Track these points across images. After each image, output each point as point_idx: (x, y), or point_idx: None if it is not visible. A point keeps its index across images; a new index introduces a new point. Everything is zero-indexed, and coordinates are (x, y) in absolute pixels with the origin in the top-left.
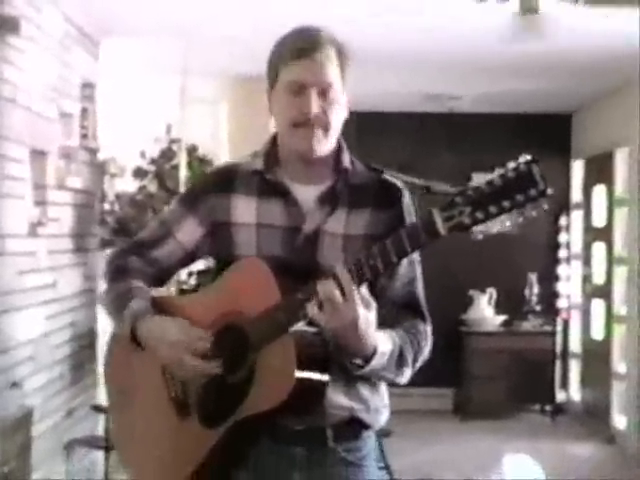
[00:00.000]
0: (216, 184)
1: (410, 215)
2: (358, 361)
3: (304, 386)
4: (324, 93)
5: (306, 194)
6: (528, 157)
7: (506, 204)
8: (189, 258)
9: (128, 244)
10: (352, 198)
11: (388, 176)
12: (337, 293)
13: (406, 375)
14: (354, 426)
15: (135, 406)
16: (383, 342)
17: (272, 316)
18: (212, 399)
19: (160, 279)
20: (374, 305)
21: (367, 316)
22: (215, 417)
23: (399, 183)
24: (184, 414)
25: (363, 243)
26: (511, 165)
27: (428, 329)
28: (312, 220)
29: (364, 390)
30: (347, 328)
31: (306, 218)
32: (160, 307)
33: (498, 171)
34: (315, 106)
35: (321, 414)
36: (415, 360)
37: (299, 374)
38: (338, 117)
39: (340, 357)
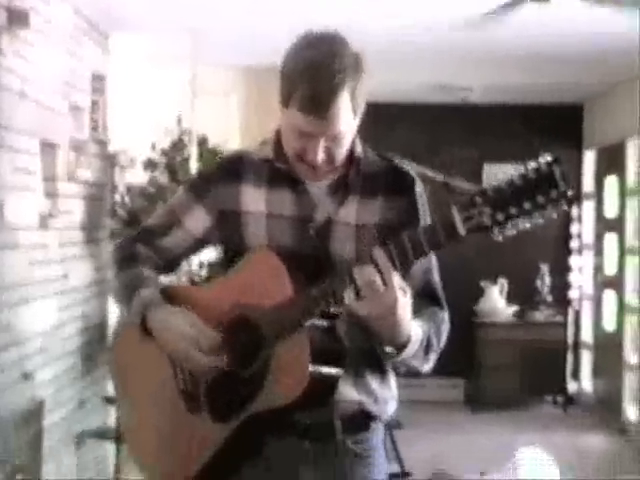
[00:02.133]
0: (225, 172)
1: (423, 203)
2: (391, 350)
3: (316, 381)
4: (333, 138)
5: (317, 183)
6: (549, 157)
7: (527, 205)
8: (198, 246)
9: (136, 233)
10: (364, 187)
11: (400, 164)
12: (378, 278)
13: (432, 361)
14: (362, 418)
15: (143, 398)
16: (415, 330)
17: (287, 312)
18: (223, 394)
19: (169, 267)
20: (409, 291)
21: (405, 302)
22: (226, 412)
23: (411, 171)
24: (194, 407)
25: (375, 232)
26: (532, 165)
27: (446, 316)
28: (323, 209)
29: (373, 382)
30: (386, 315)
31: (317, 207)
32: (171, 297)
33: (519, 171)
34: (321, 155)
35: (331, 408)
36: (438, 346)
37: (313, 369)
38: (345, 146)
39: (370, 345)
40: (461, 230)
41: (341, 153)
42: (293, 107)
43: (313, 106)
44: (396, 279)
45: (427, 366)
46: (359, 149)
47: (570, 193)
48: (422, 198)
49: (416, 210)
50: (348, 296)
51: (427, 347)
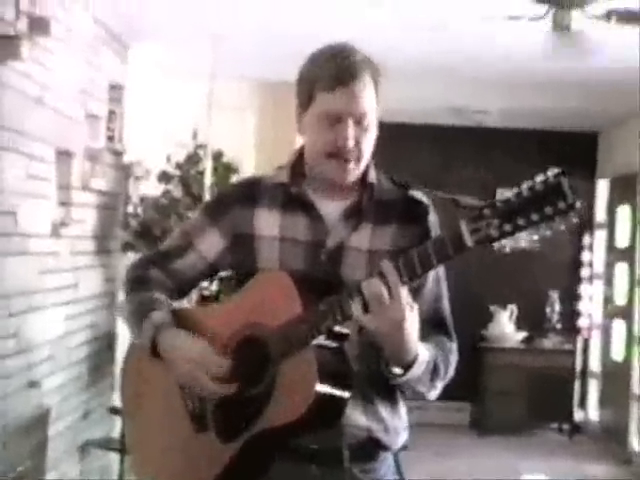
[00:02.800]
0: (240, 196)
1: (436, 232)
2: (397, 370)
3: (323, 401)
4: (359, 122)
5: (330, 209)
6: (557, 170)
7: (535, 217)
8: (211, 270)
9: (149, 254)
10: (377, 214)
11: (414, 192)
12: (385, 291)
13: (438, 389)
14: (371, 447)
15: (151, 416)
16: (422, 351)
17: (293, 329)
18: (230, 412)
19: (181, 291)
20: (417, 308)
21: (412, 318)
22: (232, 431)
23: (425, 200)
24: (201, 427)
25: (388, 259)
26: (540, 177)
27: (454, 346)
28: (336, 235)
29: (383, 410)
30: (393, 329)
31: (330, 233)
32: (181, 319)
33: (527, 183)
34: (351, 139)
35: (338, 432)
36: (446, 374)
37: (319, 388)
38: (370, 143)
39: (377, 366)
40: (469, 242)
41: (367, 148)
42: (319, 92)
43: (339, 79)
44: (404, 294)
45: (433, 393)
46: (373, 175)
47: (578, 205)
48: (435, 226)
49: (429, 237)
50: (356, 309)
51: (433, 372)
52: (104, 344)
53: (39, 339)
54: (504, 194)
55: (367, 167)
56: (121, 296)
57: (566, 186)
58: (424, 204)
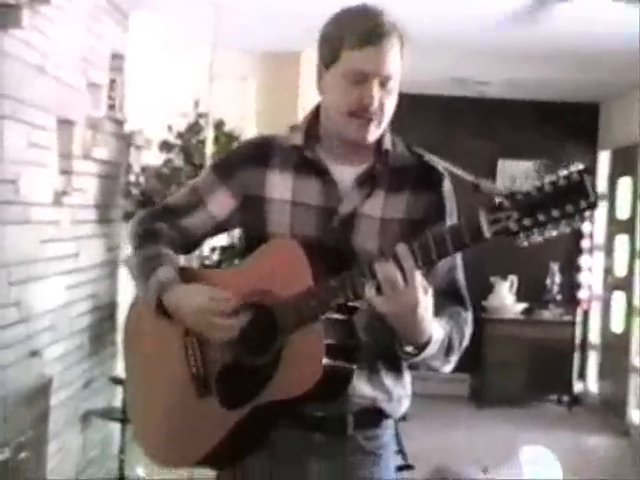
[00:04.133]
0: (252, 156)
1: (450, 201)
2: (411, 349)
3: (330, 374)
4: (384, 83)
5: (344, 174)
6: (580, 166)
7: (555, 213)
8: (219, 229)
9: (157, 208)
10: (391, 181)
11: (429, 159)
12: (399, 276)
13: (452, 362)
14: (375, 414)
15: (154, 378)
16: (436, 330)
17: (304, 302)
18: (234, 381)
19: (187, 247)
20: (431, 291)
21: (426, 302)
22: (236, 399)
23: (440, 167)
24: (204, 393)
25: (401, 227)
26: (563, 173)
27: (469, 316)
28: (349, 202)
29: (388, 380)
30: (406, 312)
31: (343, 199)
32: (188, 279)
33: (549, 177)
34: (376, 99)
35: (344, 402)
36: (460, 347)
37: (327, 362)
38: (392, 106)
39: (383, 336)
40: (487, 233)
41: (390, 109)
42: (347, 49)
43: (368, 37)
44: (418, 278)
45: (448, 367)
46: (388, 140)
47: (598, 204)
48: (450, 195)
49: (443, 207)
50: (369, 291)
51: (448, 348)
52: (105, 313)
53: (40, 308)
54: (505, 165)
55: (383, 132)
56: (127, 252)
57: (589, 184)
58: (439, 171)
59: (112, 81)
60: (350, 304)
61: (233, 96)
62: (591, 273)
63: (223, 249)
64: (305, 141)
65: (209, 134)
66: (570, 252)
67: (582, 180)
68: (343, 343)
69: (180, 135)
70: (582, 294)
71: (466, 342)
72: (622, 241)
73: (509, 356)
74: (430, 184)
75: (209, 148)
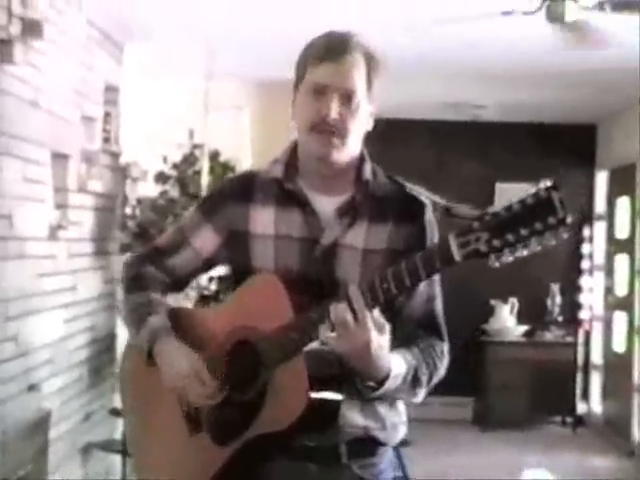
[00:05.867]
0: (235, 192)
1: (432, 231)
2: (371, 383)
3: (317, 405)
4: (347, 99)
5: (325, 205)
6: (549, 182)
7: (524, 232)
8: (206, 266)
9: (144, 251)
10: (373, 211)
11: (411, 189)
12: (349, 317)
13: (420, 395)
14: (369, 443)
15: (149, 417)
16: (397, 364)
17: (285, 336)
18: (223, 417)
19: (176, 287)
20: (387, 329)
21: (379, 340)
22: (226, 435)
23: (422, 197)
24: (196, 430)
25: (383, 258)
26: (531, 191)
27: (445, 348)
28: (330, 232)
29: (381, 408)
30: (359, 352)
31: (324, 230)
32: (177, 320)
33: (518, 197)
34: (334, 111)
35: (335, 432)
36: (430, 380)
37: (312, 394)
38: (358, 125)
39: (354, 379)
40: (457, 256)
41: (355, 129)
42: (310, 65)
43: (327, 51)
44: (373, 316)
45: (415, 399)
46: (368, 170)
47: (569, 220)
48: (431, 225)
49: (424, 237)
50: (323, 332)
51: (413, 382)
52: (104, 346)
53: (38, 342)
54: (503, 188)
55: (363, 163)
56: (120, 295)
57: (557, 200)
58: (421, 202)
59: (106, 114)
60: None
61: (228, 126)
62: (592, 293)
63: (221, 279)
64: (285, 173)
65: (204, 165)
66: (570, 273)
67: (549, 196)
68: (328, 373)
69: (175, 166)
70: (583, 315)
71: (440, 374)
72: (622, 261)
73: (512, 379)
74: (412, 214)
75: (205, 179)
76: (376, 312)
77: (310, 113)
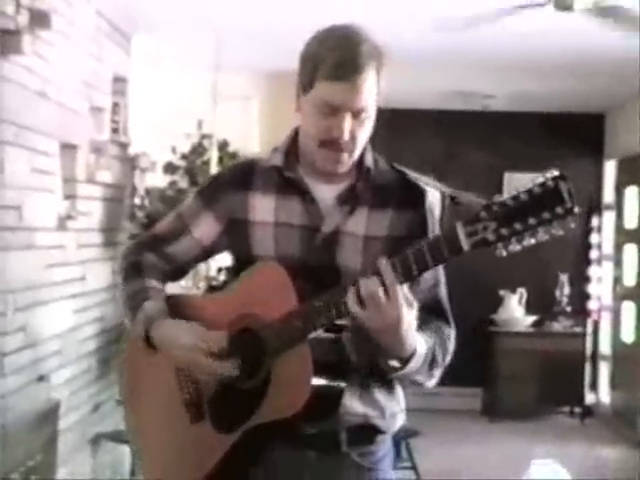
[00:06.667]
0: (234, 180)
1: (433, 217)
2: (395, 363)
3: (320, 393)
4: (357, 115)
5: (325, 193)
6: (556, 172)
7: (532, 221)
8: (206, 254)
9: (143, 238)
10: (373, 198)
11: (412, 176)
12: (381, 290)
13: (436, 377)
14: (368, 431)
15: (148, 406)
16: (420, 343)
17: (289, 324)
18: (225, 405)
19: (176, 274)
20: (416, 305)
21: (409, 316)
22: (228, 423)
23: (422, 184)
24: (197, 418)
25: (384, 245)
26: (538, 180)
27: (452, 333)
28: (331, 220)
29: (380, 396)
30: (389, 328)
31: (325, 218)
32: (177, 307)
33: (525, 186)
34: (347, 132)
35: (336, 420)
36: (443, 361)
37: (315, 381)
38: (366, 133)
39: (375, 359)
40: (465, 245)
41: (363, 139)
42: (320, 79)
43: (342, 71)
44: (401, 292)
45: (432, 381)
46: (369, 158)
47: (576, 210)
48: (432, 211)
49: (425, 224)
50: (352, 307)
51: (432, 362)
52: (113, 336)
53: (47, 333)
54: (512, 178)
55: (364, 151)
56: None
57: (565, 190)
58: (421, 189)
59: (115, 104)
60: (337, 322)
61: (236, 116)
62: (600, 283)
63: (229, 270)
64: (285, 162)
65: (213, 155)
66: (579, 263)
67: (557, 186)
68: (331, 362)
69: (184, 156)
70: (592, 305)
71: (449, 357)
72: (630, 250)
73: (520, 369)
74: (413, 201)
75: (213, 169)
76: (405, 288)
77: (320, 130)
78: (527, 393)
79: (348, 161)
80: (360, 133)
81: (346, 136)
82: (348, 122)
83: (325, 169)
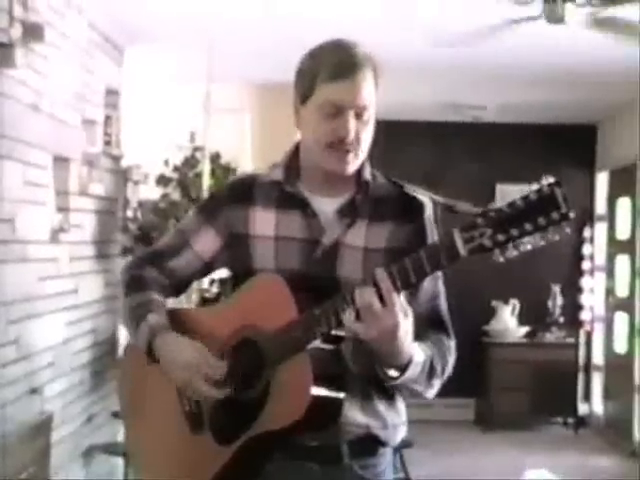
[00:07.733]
0: (235, 195)
1: (432, 230)
2: (392, 372)
3: (320, 404)
4: (360, 114)
5: (325, 206)
6: (551, 179)
7: (528, 227)
8: (206, 269)
9: (145, 253)
10: (373, 211)
11: (409, 189)
12: (377, 300)
13: (435, 388)
14: (370, 443)
15: (149, 418)
16: (417, 352)
17: (289, 333)
18: (225, 416)
19: (176, 289)
20: (411, 313)
21: (406, 325)
22: (228, 434)
23: (420, 197)
24: (198, 429)
25: (384, 257)
26: (534, 187)
27: (452, 344)
28: (331, 232)
29: (381, 406)
30: (386, 336)
31: (325, 230)
32: (177, 320)
33: (521, 194)
34: (352, 131)
35: (337, 431)
36: (443, 372)
37: (315, 392)
38: (369, 135)
39: (373, 368)
40: (462, 251)
41: (367, 141)
42: (320, 83)
43: (342, 69)
44: (398, 301)
45: (431, 392)
46: (367, 172)
47: (572, 215)
48: (431, 223)
49: (424, 236)
50: (347, 318)
51: (430, 372)
52: (106, 349)
53: (40, 346)
54: (503, 190)
55: (362, 164)
56: (120, 297)
57: (560, 196)
58: (420, 201)
59: (107, 117)
60: (336, 333)
61: (229, 129)
62: (593, 294)
63: (222, 282)
64: (285, 176)
65: (205, 167)
66: (571, 274)
67: (552, 192)
68: (331, 372)
69: (177, 169)
70: (584, 315)
71: (450, 369)
72: (623, 261)
73: (513, 380)
74: (411, 213)
75: (206, 181)
76: (401, 297)
77: (326, 132)
78: (520, 404)
79: (354, 162)
80: (364, 134)
81: (352, 135)
82: (352, 121)
83: (333, 171)
